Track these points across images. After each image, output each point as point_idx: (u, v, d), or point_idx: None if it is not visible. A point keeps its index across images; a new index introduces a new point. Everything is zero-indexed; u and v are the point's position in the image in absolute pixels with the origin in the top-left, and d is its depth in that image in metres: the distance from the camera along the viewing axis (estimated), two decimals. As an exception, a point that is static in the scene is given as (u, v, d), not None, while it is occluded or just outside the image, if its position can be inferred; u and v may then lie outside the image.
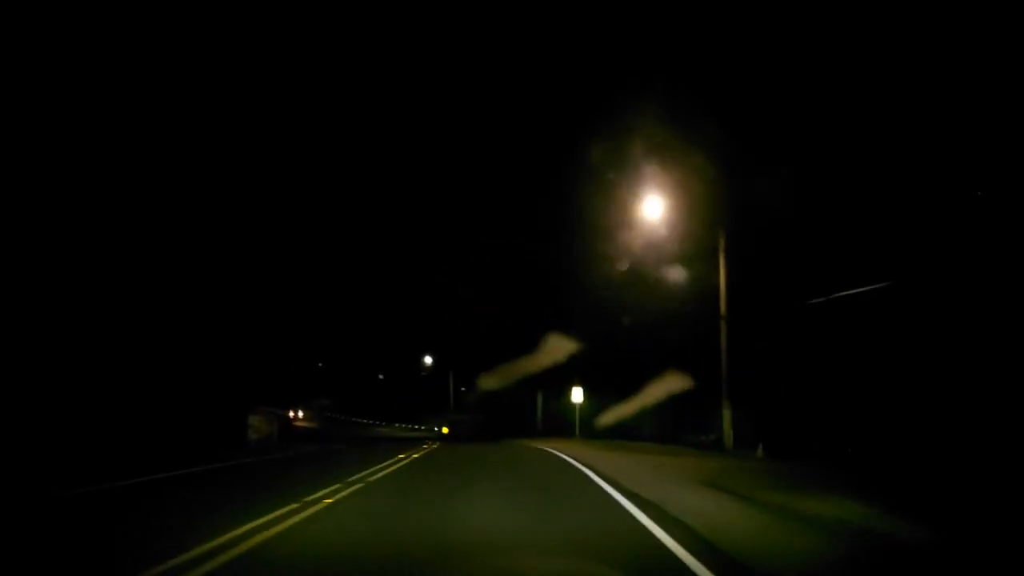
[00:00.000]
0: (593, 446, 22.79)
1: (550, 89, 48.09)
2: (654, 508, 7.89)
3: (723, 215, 21.29)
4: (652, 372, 28.80)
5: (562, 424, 35.62)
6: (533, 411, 42.78)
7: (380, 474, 11.86)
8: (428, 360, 64.77)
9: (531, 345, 39.61)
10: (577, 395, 31.25)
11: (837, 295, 18.08)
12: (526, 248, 44.43)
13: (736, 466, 13.57)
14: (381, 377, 76.83)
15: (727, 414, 19.89)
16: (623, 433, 29.75)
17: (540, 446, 23.71)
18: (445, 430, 58.82)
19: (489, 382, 47.59)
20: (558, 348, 37.33)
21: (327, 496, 8.74)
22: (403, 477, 11.92)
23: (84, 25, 27.76)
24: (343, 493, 9.08)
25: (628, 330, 32.47)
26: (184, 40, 33.24)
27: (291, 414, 51.33)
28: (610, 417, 31.14)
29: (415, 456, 17.14)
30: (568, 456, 16.78)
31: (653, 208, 20.60)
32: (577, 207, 34.09)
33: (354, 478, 10.89)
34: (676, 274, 26.28)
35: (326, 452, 21.27)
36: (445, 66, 53.58)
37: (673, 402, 26.94)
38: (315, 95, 50.29)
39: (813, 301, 18.92)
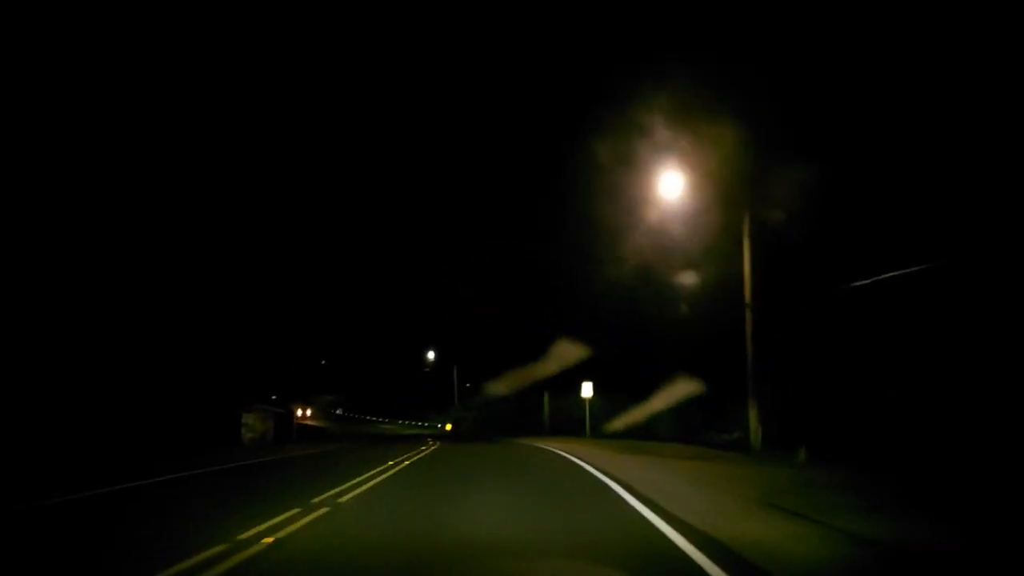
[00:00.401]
0: (607, 447, 20.41)
1: (549, 87, 46.79)
2: (716, 546, 5.55)
3: (747, 197, 19.42)
4: (662, 369, 27.00)
5: (570, 422, 33.34)
6: (539, 409, 40.38)
7: (364, 486, 9.57)
8: (431, 355, 62.90)
9: (533, 344, 39.18)
10: (587, 390, 28.74)
11: (883, 276, 15.89)
12: (526, 248, 43.77)
13: (787, 476, 11.20)
14: (384, 374, 75.19)
15: (754, 412, 17.88)
16: (635, 431, 27.52)
17: (549, 447, 21.35)
18: (448, 427, 56.95)
19: (495, 388, 45.97)
20: (564, 353, 35.48)
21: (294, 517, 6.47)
22: (385, 496, 9.62)
23: (84, 26, 27.15)
24: (313, 515, 6.81)
25: (637, 326, 30.53)
26: (185, 42, 32.21)
27: (298, 412, 50.97)
28: (620, 423, 29.04)
29: (404, 464, 14.76)
30: (585, 462, 14.38)
31: (664, 196, 19.11)
32: (579, 204, 32.83)
33: (326, 496, 8.61)
34: (688, 266, 24.63)
35: (318, 455, 19.00)
36: (445, 67, 53.20)
37: (689, 398, 25.05)
38: (316, 96, 50.04)
39: (856, 284, 16.64)
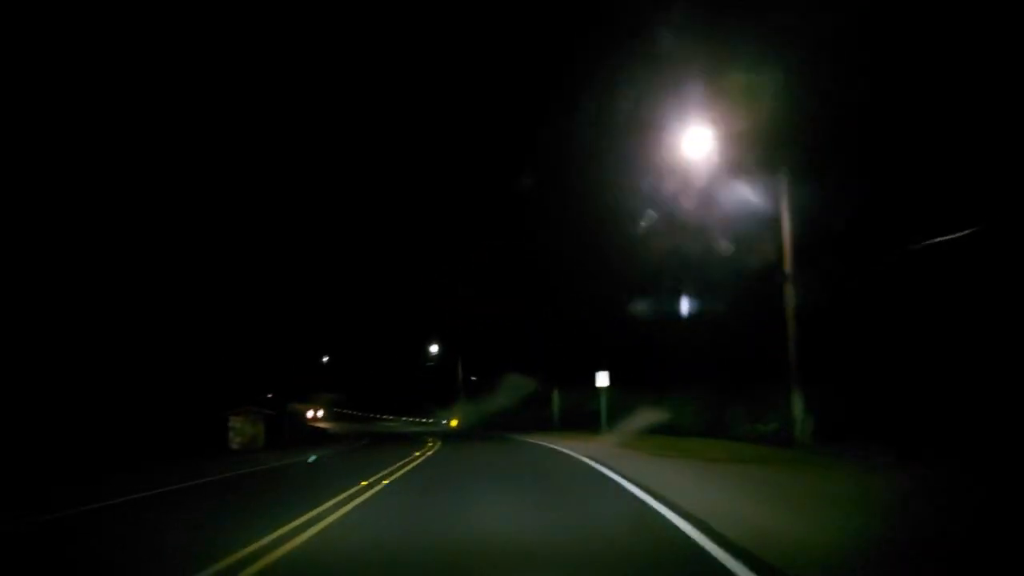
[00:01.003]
0: (633, 447, 16.94)
1: (550, 84, 44.69)
2: None
3: (785, 152, 16.28)
4: (681, 356, 23.86)
5: (580, 417, 29.93)
6: (548, 403, 37.02)
7: (296, 540, 6.09)
8: (434, 349, 59.90)
9: (534, 342, 36.97)
10: (602, 379, 25.14)
11: (961, 233, 12.46)
12: (526, 248, 42.47)
13: (908, 492, 7.68)
14: (388, 372, 72.88)
15: (798, 401, 14.75)
16: (655, 425, 24.09)
17: (564, 449, 17.83)
18: (454, 423, 53.54)
19: (499, 378, 43.73)
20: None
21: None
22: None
23: (84, 26, 25.37)
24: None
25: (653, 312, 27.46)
26: (185, 42, 31.67)
27: (309, 413, 49.08)
28: (636, 416, 25.73)
29: (382, 485, 11.21)
30: (617, 473, 10.81)
31: (687, 157, 16.17)
32: (581, 190, 30.30)
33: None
34: (710, 238, 21.50)
35: (281, 469, 15.61)
36: (445, 67, 53.06)
37: (717, 384, 21.88)
38: (317, 96, 50.12)
39: (934, 239, 13.08)
